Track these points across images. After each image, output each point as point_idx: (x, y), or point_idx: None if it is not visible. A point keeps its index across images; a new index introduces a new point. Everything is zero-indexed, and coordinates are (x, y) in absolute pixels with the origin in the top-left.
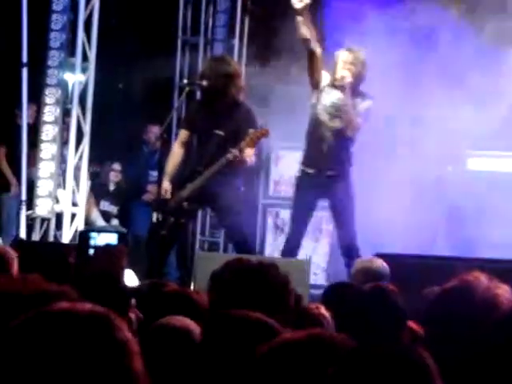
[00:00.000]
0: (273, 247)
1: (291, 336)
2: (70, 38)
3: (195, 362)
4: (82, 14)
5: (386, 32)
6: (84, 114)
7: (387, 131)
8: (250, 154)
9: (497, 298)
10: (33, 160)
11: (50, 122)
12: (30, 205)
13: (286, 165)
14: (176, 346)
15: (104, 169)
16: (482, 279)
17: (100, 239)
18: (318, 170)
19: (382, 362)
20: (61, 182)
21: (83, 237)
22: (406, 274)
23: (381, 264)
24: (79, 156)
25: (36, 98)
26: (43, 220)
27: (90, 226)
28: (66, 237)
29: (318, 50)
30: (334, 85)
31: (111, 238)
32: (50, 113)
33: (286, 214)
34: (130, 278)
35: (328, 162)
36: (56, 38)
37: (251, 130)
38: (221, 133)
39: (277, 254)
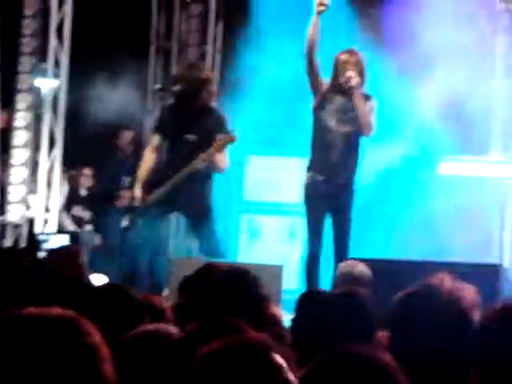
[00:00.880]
0: (246, 252)
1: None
2: (41, 43)
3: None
4: (54, 20)
5: None
6: (56, 119)
7: None
8: (221, 160)
9: (460, 300)
10: (5, 165)
11: (21, 128)
12: (1, 211)
13: (261, 169)
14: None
15: (76, 174)
16: (446, 282)
17: (52, 242)
18: (329, 178)
19: (343, 366)
20: (33, 187)
21: (34, 240)
22: (379, 278)
23: (363, 268)
24: (51, 161)
25: (8, 104)
26: (16, 226)
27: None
28: None
29: (318, 59)
30: (337, 89)
31: (63, 240)
32: (22, 118)
33: (260, 220)
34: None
35: (338, 169)
36: (28, 44)
37: (219, 136)
38: (192, 137)
39: (251, 259)
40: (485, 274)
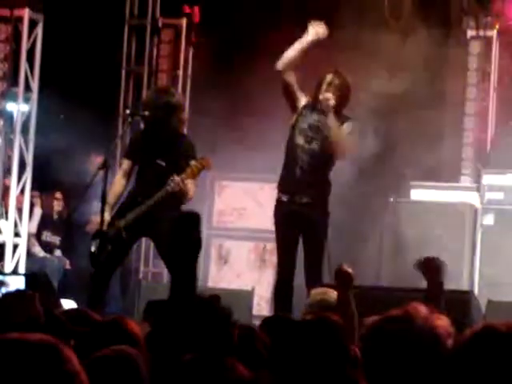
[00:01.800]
0: (216, 278)
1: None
2: (12, 67)
3: None
4: (24, 44)
5: None
6: (26, 143)
7: None
8: (190, 187)
9: (435, 330)
10: None
11: None
12: None
13: (230, 195)
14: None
15: (46, 198)
16: (422, 310)
17: (9, 285)
18: (292, 196)
19: None
20: (3, 212)
21: None
22: None
23: (334, 295)
24: (22, 185)
25: None
26: None
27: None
28: (8, 268)
29: (293, 75)
30: (314, 107)
31: (19, 282)
32: None
33: (229, 245)
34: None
35: (302, 187)
36: None
37: (193, 162)
38: (162, 163)
39: (220, 285)
40: (455, 301)
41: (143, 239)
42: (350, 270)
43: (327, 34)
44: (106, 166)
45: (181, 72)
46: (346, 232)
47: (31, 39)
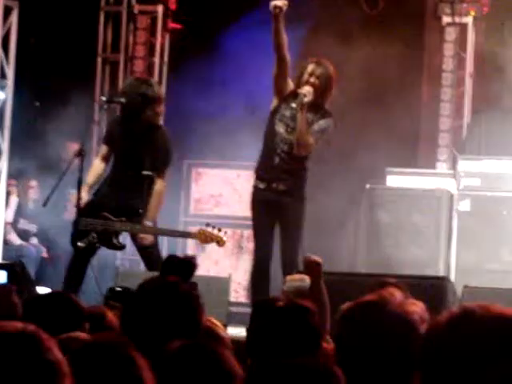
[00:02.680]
0: None
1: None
2: None
3: None
4: None
5: None
6: (2, 131)
7: None
8: (149, 238)
9: (408, 315)
10: None
11: None
12: None
13: (207, 182)
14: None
15: (23, 186)
16: (397, 295)
17: None
18: (269, 184)
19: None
20: None
21: None
22: (328, 291)
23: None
24: None
25: None
26: None
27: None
28: None
29: (288, 57)
30: (296, 96)
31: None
32: None
33: None
34: None
35: (279, 174)
36: None
37: (209, 230)
38: (136, 154)
39: (198, 272)
40: (431, 287)
41: None
42: (317, 259)
43: (286, 3)
44: (81, 154)
45: (157, 59)
46: (322, 219)
47: (6, 26)
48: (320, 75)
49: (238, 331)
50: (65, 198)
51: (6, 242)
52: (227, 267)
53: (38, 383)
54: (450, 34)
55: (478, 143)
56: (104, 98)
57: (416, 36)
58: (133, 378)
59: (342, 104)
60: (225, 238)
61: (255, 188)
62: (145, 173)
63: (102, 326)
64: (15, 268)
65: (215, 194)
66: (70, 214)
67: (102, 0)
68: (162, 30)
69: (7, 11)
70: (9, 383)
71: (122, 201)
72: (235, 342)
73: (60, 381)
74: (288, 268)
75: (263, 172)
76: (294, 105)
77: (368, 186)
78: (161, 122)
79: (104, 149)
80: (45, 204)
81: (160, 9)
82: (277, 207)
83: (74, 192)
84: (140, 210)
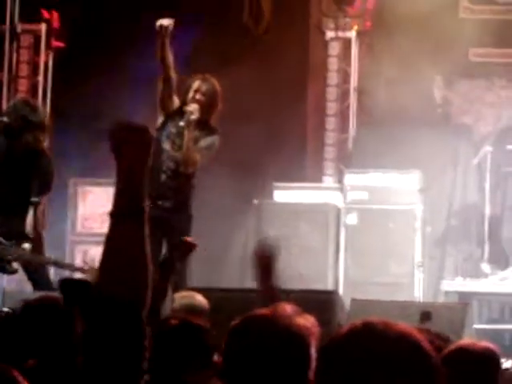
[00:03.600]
0: None
1: None
2: None
3: None
4: None
5: None
6: None
7: None
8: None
9: (297, 329)
10: None
11: None
12: None
13: (95, 200)
14: None
15: None
16: (287, 310)
17: None
18: (155, 201)
19: None
20: None
21: None
22: (215, 307)
23: (201, 298)
24: None
25: None
26: None
27: None
28: None
29: (174, 75)
30: (182, 113)
31: None
32: None
33: (95, 251)
34: None
35: (165, 192)
36: None
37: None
38: (21, 180)
39: None
40: (320, 301)
41: None
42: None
43: (172, 23)
44: None
45: (41, 78)
46: (210, 236)
47: None
48: (206, 92)
49: None
50: None
51: None
52: None
53: None
54: (334, 49)
55: (363, 157)
56: None
57: (300, 50)
58: None
59: (228, 121)
60: None
61: None
62: (33, 199)
63: None
64: None
65: (102, 212)
66: None
67: None
68: (46, 49)
69: None
70: None
71: (11, 226)
72: None
73: None
74: (177, 285)
75: (150, 189)
76: (181, 123)
77: (255, 201)
78: (43, 146)
79: None
80: None
81: (43, 27)
82: (163, 224)
83: None
84: (30, 235)
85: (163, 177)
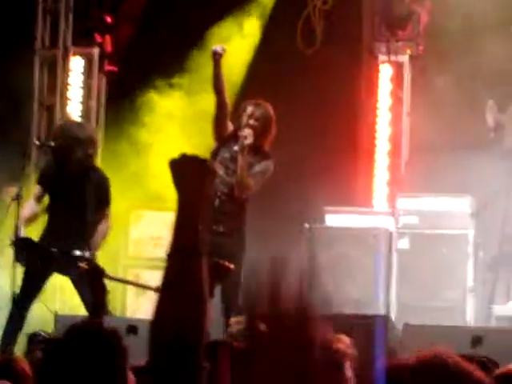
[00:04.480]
0: (133, 308)
1: None
2: None
3: None
4: None
5: None
6: None
7: None
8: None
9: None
10: None
11: None
12: None
13: (146, 224)
14: None
15: None
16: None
17: None
18: (209, 226)
19: None
20: None
21: None
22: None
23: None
24: None
25: None
26: None
27: None
28: None
29: (228, 101)
30: (236, 138)
31: None
32: None
33: (147, 275)
34: None
35: (219, 216)
36: None
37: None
38: (76, 199)
39: (138, 315)
40: (372, 325)
41: None
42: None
43: (225, 49)
44: (18, 198)
45: (94, 102)
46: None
47: None
48: (259, 117)
49: None
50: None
51: None
52: None
53: None
54: (386, 73)
55: (416, 181)
56: (37, 142)
57: (352, 74)
58: None
59: (282, 144)
60: None
61: None
62: (89, 219)
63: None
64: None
65: (154, 236)
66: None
67: (37, 43)
68: (99, 73)
69: None
70: None
71: (67, 247)
72: None
73: None
74: (230, 311)
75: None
76: (235, 148)
77: (306, 225)
78: (95, 162)
79: (37, 188)
80: None
81: (96, 51)
82: (217, 249)
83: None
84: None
85: (217, 202)
